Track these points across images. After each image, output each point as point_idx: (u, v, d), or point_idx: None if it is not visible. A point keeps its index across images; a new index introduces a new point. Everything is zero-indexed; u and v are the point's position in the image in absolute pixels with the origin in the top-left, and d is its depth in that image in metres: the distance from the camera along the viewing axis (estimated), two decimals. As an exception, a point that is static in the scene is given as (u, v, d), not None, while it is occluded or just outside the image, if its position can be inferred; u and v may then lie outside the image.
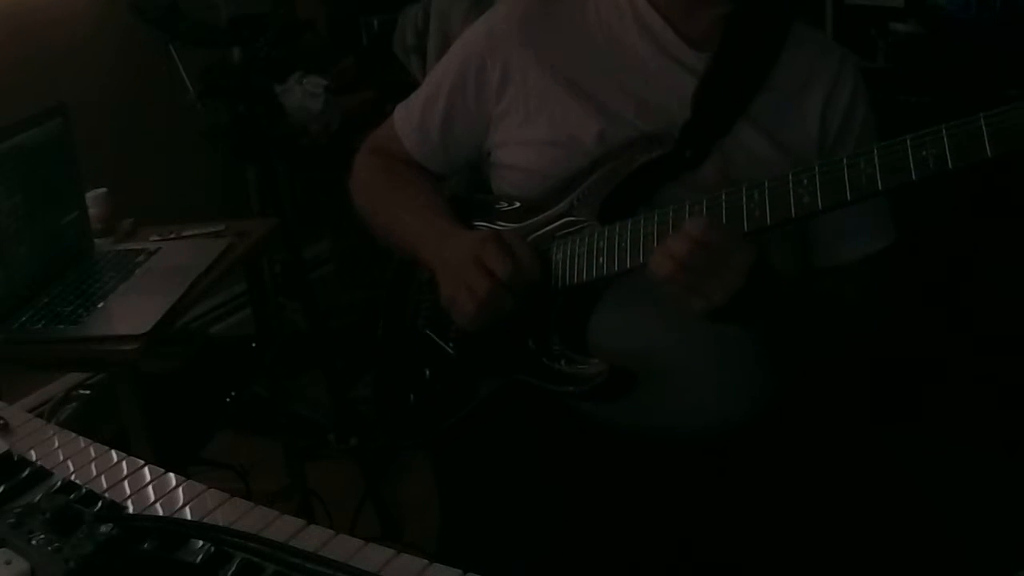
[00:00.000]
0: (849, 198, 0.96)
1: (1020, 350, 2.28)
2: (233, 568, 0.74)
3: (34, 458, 0.91)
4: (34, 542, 0.75)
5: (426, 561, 0.74)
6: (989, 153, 0.89)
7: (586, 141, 1.20)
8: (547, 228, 1.21)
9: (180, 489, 0.86)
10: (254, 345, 2.35)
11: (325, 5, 3.20)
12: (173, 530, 0.78)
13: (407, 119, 1.36)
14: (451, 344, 1.30)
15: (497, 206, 1.30)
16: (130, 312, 1.64)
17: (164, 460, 0.92)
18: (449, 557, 0.86)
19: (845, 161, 0.97)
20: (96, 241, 1.93)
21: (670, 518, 1.21)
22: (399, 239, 1.32)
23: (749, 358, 1.21)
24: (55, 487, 0.86)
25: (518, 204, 1.27)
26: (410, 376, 1.36)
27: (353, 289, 3.04)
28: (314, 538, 0.78)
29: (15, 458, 0.90)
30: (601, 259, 1.13)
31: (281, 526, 0.79)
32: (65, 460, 0.91)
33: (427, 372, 1.33)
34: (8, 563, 0.73)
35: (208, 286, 1.78)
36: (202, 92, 2.47)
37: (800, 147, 1.20)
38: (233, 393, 2.38)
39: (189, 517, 0.82)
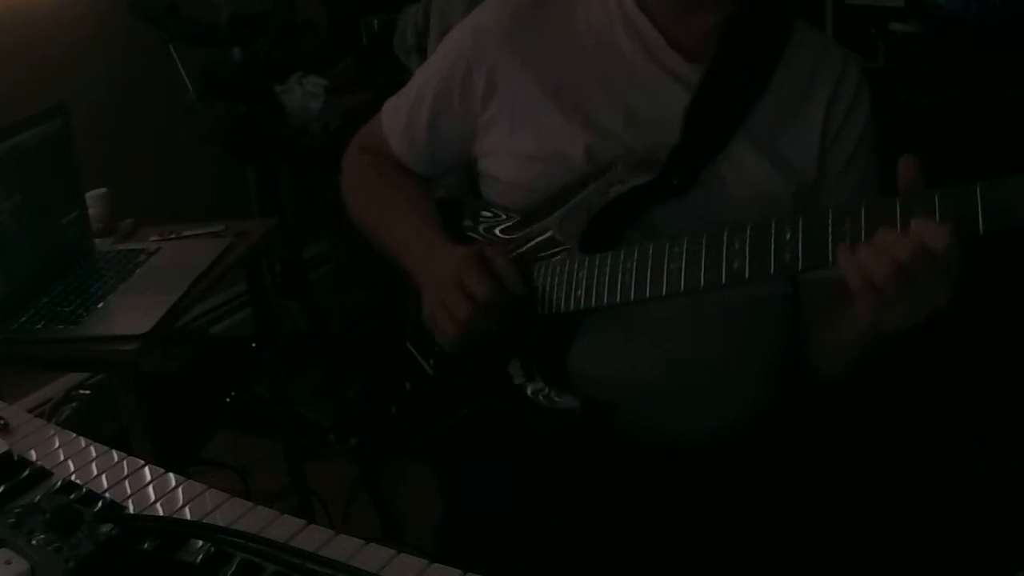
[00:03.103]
0: (831, 261, 0.92)
1: (1020, 350, 2.28)
2: (233, 568, 0.74)
3: (34, 458, 0.91)
4: (34, 542, 0.74)
5: (426, 561, 0.74)
6: (981, 229, 0.85)
7: (572, 157, 1.17)
8: (531, 245, 1.18)
9: (180, 489, 0.85)
10: (254, 345, 2.35)
11: (325, 5, 3.20)
12: (173, 530, 0.78)
13: (394, 120, 1.33)
14: (431, 361, 1.28)
15: (485, 213, 1.27)
16: (130, 312, 1.64)
17: (164, 460, 0.92)
18: (449, 557, 0.85)
19: (831, 217, 0.92)
20: (96, 241, 1.94)
21: (668, 518, 1.20)
22: (386, 244, 1.30)
23: (740, 372, 1.19)
24: (55, 487, 0.86)
25: (506, 216, 1.24)
26: (393, 387, 1.34)
27: (353, 289, 3.04)
28: (314, 538, 0.77)
29: (15, 458, 0.90)
30: (580, 292, 1.11)
31: (281, 526, 0.79)
32: (65, 460, 0.91)
33: (408, 385, 1.32)
34: (8, 563, 0.73)
35: (208, 286, 1.78)
36: (202, 92, 2.47)
37: (799, 157, 1.16)
38: (233, 393, 2.38)
39: (189, 517, 0.82)
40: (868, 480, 1.14)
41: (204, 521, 0.81)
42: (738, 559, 1.17)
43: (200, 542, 0.77)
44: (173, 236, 1.97)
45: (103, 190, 2.02)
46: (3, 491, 0.85)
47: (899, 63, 2.68)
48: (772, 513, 1.14)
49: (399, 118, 1.33)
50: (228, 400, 2.42)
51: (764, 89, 1.16)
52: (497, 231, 1.24)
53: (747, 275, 0.97)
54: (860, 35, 2.75)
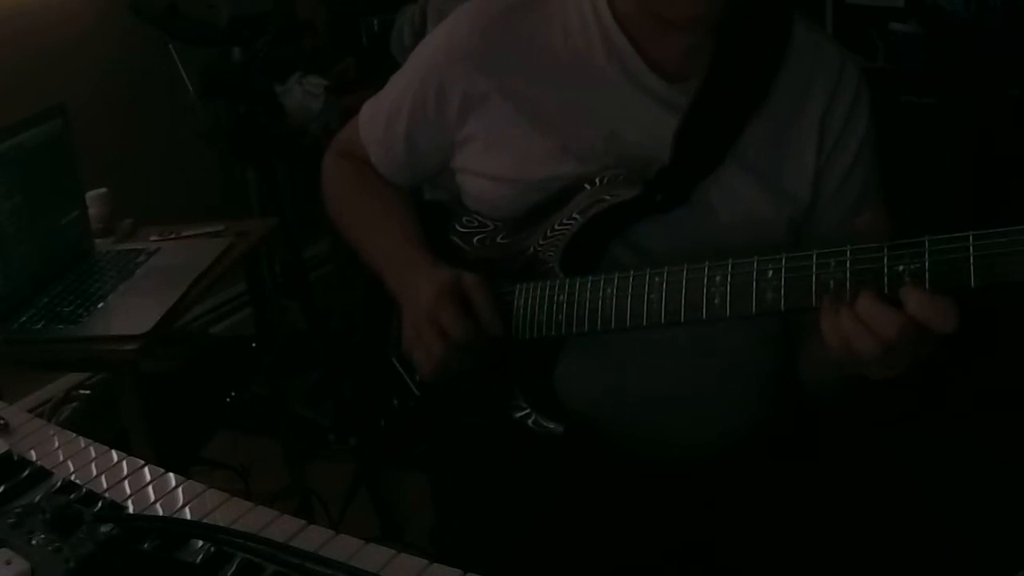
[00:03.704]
0: (814, 304, 0.90)
1: (1020, 349, 2.28)
2: (233, 568, 0.74)
3: (34, 458, 0.91)
4: (34, 542, 0.75)
5: (426, 561, 0.74)
6: (972, 284, 0.82)
7: (549, 176, 1.13)
8: (512, 259, 1.16)
9: (180, 489, 0.85)
10: (254, 345, 2.35)
11: (325, 5, 3.20)
12: (173, 530, 0.79)
13: (372, 129, 1.29)
14: (416, 378, 1.26)
15: (471, 222, 1.23)
16: (130, 312, 1.64)
17: (164, 460, 0.92)
18: (445, 557, 0.85)
19: (815, 258, 0.90)
20: (96, 241, 1.94)
21: (666, 524, 1.19)
22: (367, 255, 1.28)
23: (736, 386, 1.18)
24: (55, 487, 0.86)
25: (491, 226, 1.21)
26: (380, 399, 1.33)
27: (353, 289, 3.04)
28: (314, 538, 0.78)
29: (15, 458, 0.90)
30: (560, 316, 1.08)
31: (281, 526, 0.79)
32: (65, 460, 0.91)
33: (394, 401, 1.30)
34: (8, 563, 0.73)
35: (208, 286, 1.78)
36: (202, 92, 2.48)
37: (792, 178, 1.13)
38: (233, 393, 2.38)
39: (189, 517, 0.82)
40: (869, 480, 1.13)
41: (204, 521, 0.81)
42: (742, 564, 1.16)
43: (200, 542, 0.77)
44: (173, 236, 1.98)
45: (103, 190, 2.02)
46: (3, 491, 0.85)
47: (899, 63, 2.69)
48: (774, 514, 1.14)
49: (377, 128, 1.29)
50: (228, 400, 2.42)
51: (759, 105, 1.11)
52: (479, 241, 1.22)
53: (728, 312, 0.95)
54: (860, 35, 2.75)
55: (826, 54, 1.15)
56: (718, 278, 0.96)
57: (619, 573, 1.13)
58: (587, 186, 1.11)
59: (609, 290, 1.05)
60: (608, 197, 1.09)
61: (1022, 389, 2.24)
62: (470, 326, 1.09)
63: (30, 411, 1.14)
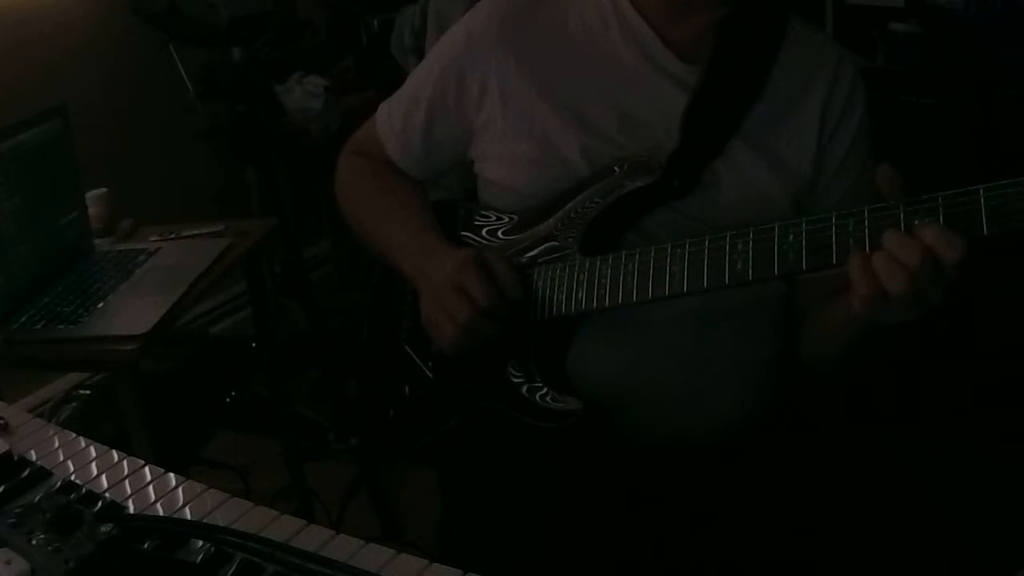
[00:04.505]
0: (835, 261, 0.93)
1: (1021, 348, 2.28)
2: (233, 568, 0.74)
3: (34, 458, 0.91)
4: (34, 542, 0.74)
5: (426, 561, 0.74)
6: (985, 231, 0.87)
7: (567, 160, 1.16)
8: (530, 250, 1.18)
9: (180, 489, 0.85)
10: (254, 345, 2.36)
11: (325, 5, 3.20)
12: (173, 530, 0.79)
13: (389, 124, 1.32)
14: (430, 364, 1.28)
15: (483, 216, 1.26)
16: (130, 312, 1.64)
17: (164, 460, 0.92)
18: (449, 555, 0.85)
19: (834, 219, 0.94)
20: (96, 241, 1.94)
21: (669, 517, 1.20)
22: (382, 248, 1.30)
23: (742, 372, 1.19)
24: (55, 487, 0.86)
25: (504, 218, 1.23)
26: (389, 390, 1.34)
27: (353, 290, 3.04)
28: (314, 538, 0.78)
29: (15, 458, 0.90)
30: (581, 293, 1.11)
31: (281, 526, 0.79)
32: (65, 460, 0.91)
33: (406, 389, 1.31)
34: (8, 563, 0.73)
35: (208, 286, 1.78)
36: (202, 92, 2.48)
37: (796, 158, 1.17)
38: (233, 393, 2.38)
39: (189, 517, 0.82)
40: (871, 478, 1.14)
41: (204, 521, 0.81)
42: (742, 558, 1.17)
43: (200, 542, 0.77)
44: (173, 236, 1.97)
45: (103, 190, 2.02)
46: (3, 491, 0.85)
47: (899, 63, 2.69)
48: (775, 511, 1.14)
49: (394, 122, 1.32)
50: (228, 400, 2.42)
51: (760, 90, 1.16)
52: (497, 234, 1.24)
53: (751, 276, 0.98)
54: (860, 35, 2.75)
55: (824, 51, 1.22)
56: (740, 245, 1.00)
57: (628, 561, 1.13)
58: (605, 174, 1.14)
59: (631, 265, 1.08)
60: (627, 183, 1.12)
61: (1022, 387, 2.24)
62: (494, 290, 1.12)
63: (30, 411, 1.15)
